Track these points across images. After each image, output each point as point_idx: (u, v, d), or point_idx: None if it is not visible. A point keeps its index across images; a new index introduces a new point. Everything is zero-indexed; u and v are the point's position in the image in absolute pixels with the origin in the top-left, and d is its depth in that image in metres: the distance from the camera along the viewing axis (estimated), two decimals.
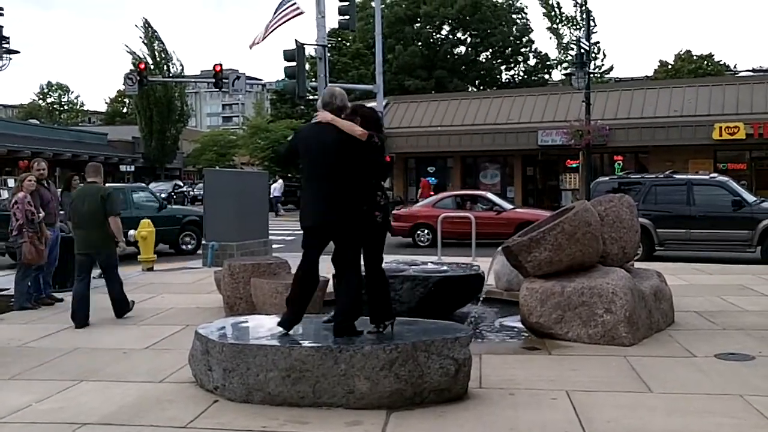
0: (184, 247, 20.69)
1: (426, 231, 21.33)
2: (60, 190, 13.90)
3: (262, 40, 25.04)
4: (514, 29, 59.77)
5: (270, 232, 17.96)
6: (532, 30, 60.83)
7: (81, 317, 9.54)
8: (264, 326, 6.75)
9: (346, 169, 6.16)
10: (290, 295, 6.43)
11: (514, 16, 60.50)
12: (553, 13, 53.20)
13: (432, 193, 38.39)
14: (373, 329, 6.32)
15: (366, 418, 5.55)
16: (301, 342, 6.05)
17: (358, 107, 6.65)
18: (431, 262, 11.18)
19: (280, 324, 6.34)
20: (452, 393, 5.94)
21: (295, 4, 24.88)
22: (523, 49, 60.76)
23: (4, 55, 21.45)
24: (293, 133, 6.55)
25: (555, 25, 53.26)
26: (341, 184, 6.14)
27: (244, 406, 5.88)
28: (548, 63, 60.65)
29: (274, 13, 25.05)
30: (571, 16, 51.57)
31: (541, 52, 61.63)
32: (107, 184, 12.29)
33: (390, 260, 11.68)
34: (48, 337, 8.82)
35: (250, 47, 25.41)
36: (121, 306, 10.16)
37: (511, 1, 60.72)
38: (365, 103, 31.55)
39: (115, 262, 10.15)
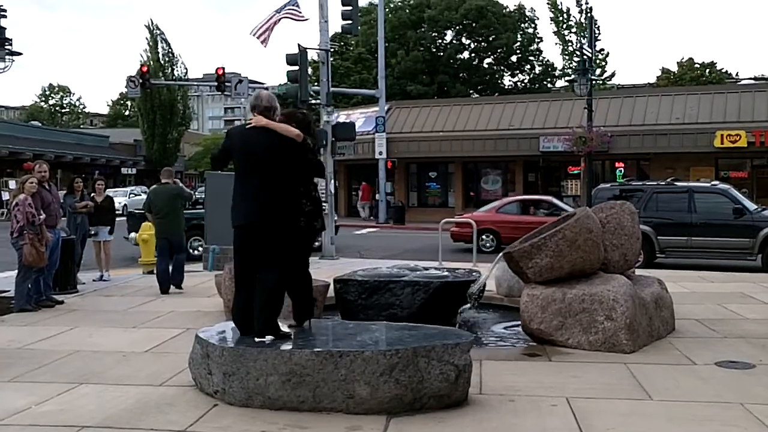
0: None
1: (489, 236, 21.22)
2: (64, 192, 13.93)
3: (265, 35, 24.99)
4: (519, 36, 59.69)
5: None
6: (542, 40, 60.74)
7: (164, 287, 12.50)
8: None
9: (279, 170, 6.29)
10: (234, 309, 6.48)
11: (523, 25, 60.35)
12: (560, 18, 53.35)
13: (369, 196, 39.18)
14: (293, 324, 6.70)
15: (366, 423, 5.54)
16: (301, 346, 6.04)
17: (292, 113, 6.87)
18: (432, 268, 11.18)
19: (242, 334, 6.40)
20: (452, 399, 5.93)
21: (299, 8, 24.90)
22: (530, 57, 60.66)
23: (7, 57, 21.45)
24: (226, 134, 6.73)
25: (562, 31, 53.40)
26: (274, 185, 6.26)
27: (244, 410, 5.87)
28: (553, 72, 60.61)
29: (276, 12, 25.04)
30: (578, 22, 51.72)
31: (547, 60, 61.60)
32: None
33: (391, 265, 11.71)
34: (48, 340, 8.81)
35: (252, 34, 25.28)
36: (180, 280, 12.83)
37: (520, 10, 60.60)
38: (368, 107, 31.75)
39: (184, 244, 13.58)
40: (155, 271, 13.10)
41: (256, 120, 6.38)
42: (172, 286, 12.64)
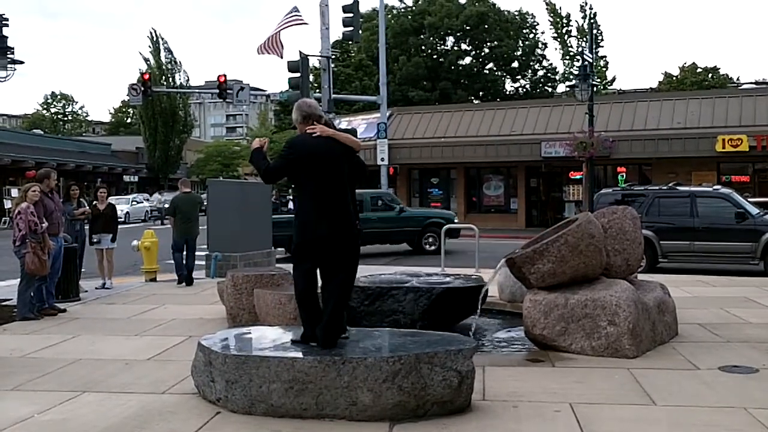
0: (426, 247, 22.15)
1: None
2: (61, 200, 13.93)
3: (277, 49, 25.08)
4: (520, 42, 59.70)
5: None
6: (546, 46, 60.55)
7: (181, 276, 14.80)
8: (267, 337, 6.74)
9: (347, 180, 6.29)
10: (304, 316, 6.38)
11: (525, 30, 60.33)
12: (560, 23, 53.43)
13: None
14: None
15: (369, 431, 5.54)
16: (304, 353, 6.03)
17: (325, 122, 6.78)
18: (435, 274, 11.17)
19: (302, 340, 6.33)
20: (455, 405, 5.92)
21: (298, 13, 25.00)
22: (531, 63, 60.64)
23: (9, 66, 21.45)
24: (289, 146, 6.43)
25: (562, 36, 53.44)
26: (349, 197, 6.28)
27: (247, 417, 5.87)
28: (554, 77, 60.63)
29: (278, 25, 25.16)
30: (579, 27, 51.82)
31: (549, 65, 61.51)
32: None
33: (393, 271, 11.71)
34: (50, 348, 8.81)
35: (260, 52, 25.39)
36: (191, 276, 14.76)
37: (521, 16, 60.62)
38: (370, 113, 31.90)
39: (196, 244, 15.17)
40: (174, 263, 15.14)
41: (321, 129, 6.27)
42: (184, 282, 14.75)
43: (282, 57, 26.07)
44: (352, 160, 6.40)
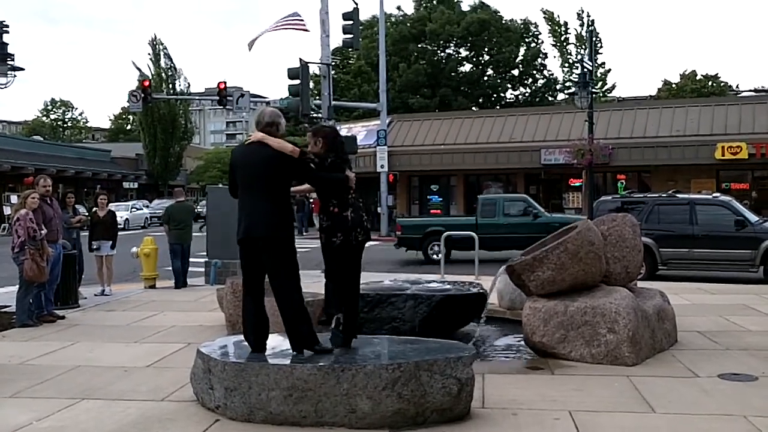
0: None
1: None
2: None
3: (258, 37, 25.12)
4: (521, 50, 59.68)
5: None
6: (546, 56, 60.49)
7: (179, 284, 15.51)
8: (266, 345, 6.72)
9: (274, 184, 6.24)
10: (245, 329, 6.46)
11: (527, 39, 60.29)
12: (558, 31, 53.60)
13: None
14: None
15: None
16: (303, 361, 6.02)
17: (319, 129, 6.87)
18: (434, 281, 11.16)
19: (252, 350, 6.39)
20: (455, 413, 5.92)
21: (301, 18, 25.03)
22: (533, 71, 60.59)
23: (9, 72, 21.45)
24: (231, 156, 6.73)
25: (560, 43, 53.61)
26: (272, 200, 6.21)
27: (246, 425, 5.86)
28: (555, 86, 60.60)
29: (278, 21, 25.19)
30: (578, 35, 51.96)
31: (551, 74, 61.45)
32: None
33: (393, 278, 11.70)
34: (49, 355, 8.80)
35: (249, 48, 25.45)
36: (185, 278, 15.66)
37: (525, 25, 60.63)
38: (369, 120, 31.93)
39: (190, 249, 15.98)
40: (172, 270, 15.83)
41: (254, 135, 6.39)
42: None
43: (249, 50, 26.05)
44: (290, 167, 6.26)
